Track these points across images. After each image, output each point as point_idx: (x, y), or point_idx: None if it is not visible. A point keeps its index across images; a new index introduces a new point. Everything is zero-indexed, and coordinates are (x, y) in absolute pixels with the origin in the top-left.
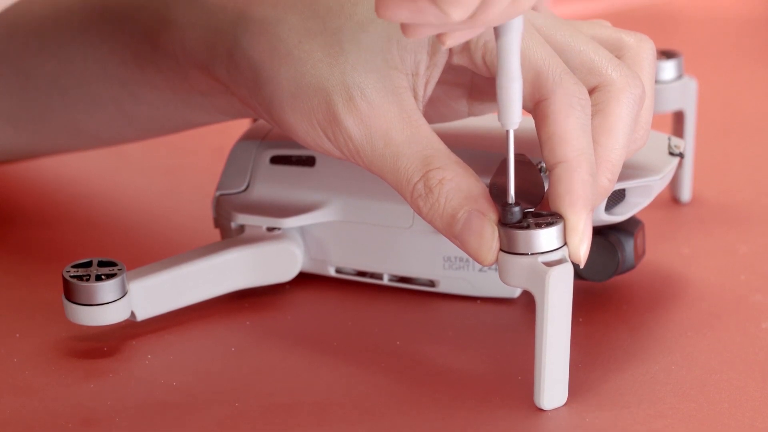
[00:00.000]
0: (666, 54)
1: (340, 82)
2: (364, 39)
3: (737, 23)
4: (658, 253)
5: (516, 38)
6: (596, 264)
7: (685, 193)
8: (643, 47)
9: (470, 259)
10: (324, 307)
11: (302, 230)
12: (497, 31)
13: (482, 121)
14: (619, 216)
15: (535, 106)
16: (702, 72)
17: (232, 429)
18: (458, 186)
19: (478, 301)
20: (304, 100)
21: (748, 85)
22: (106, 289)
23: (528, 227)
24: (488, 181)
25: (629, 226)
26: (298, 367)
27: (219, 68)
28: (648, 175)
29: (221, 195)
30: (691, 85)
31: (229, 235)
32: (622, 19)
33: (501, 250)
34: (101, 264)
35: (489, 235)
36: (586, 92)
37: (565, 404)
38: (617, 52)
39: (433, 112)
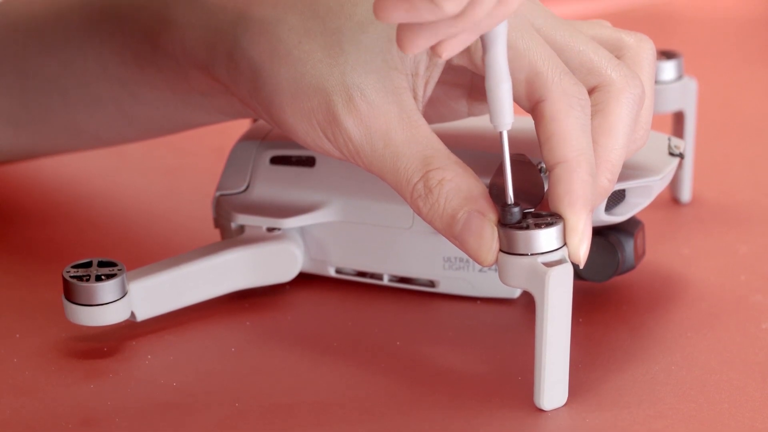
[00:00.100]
0: (666, 54)
1: (340, 82)
2: (364, 39)
3: (737, 23)
4: (658, 253)
5: (502, 40)
6: (596, 264)
7: (685, 194)
8: (643, 47)
9: (470, 260)
10: (324, 308)
11: (302, 230)
12: (483, 37)
13: (482, 122)
14: (619, 216)
15: (535, 106)
16: (702, 72)
17: (232, 429)
18: (458, 186)
19: (478, 302)
20: (304, 100)
21: (748, 85)
22: (106, 289)
23: (528, 228)
24: (488, 181)
25: (629, 227)
26: (298, 367)
27: (219, 68)
28: (648, 176)
29: (221, 195)
30: (691, 85)
31: (229, 236)
32: (622, 19)
33: (501, 250)
34: (101, 264)
35: (488, 236)
36: (586, 92)
37: (565, 404)
38: (617, 52)
39: (432, 112)
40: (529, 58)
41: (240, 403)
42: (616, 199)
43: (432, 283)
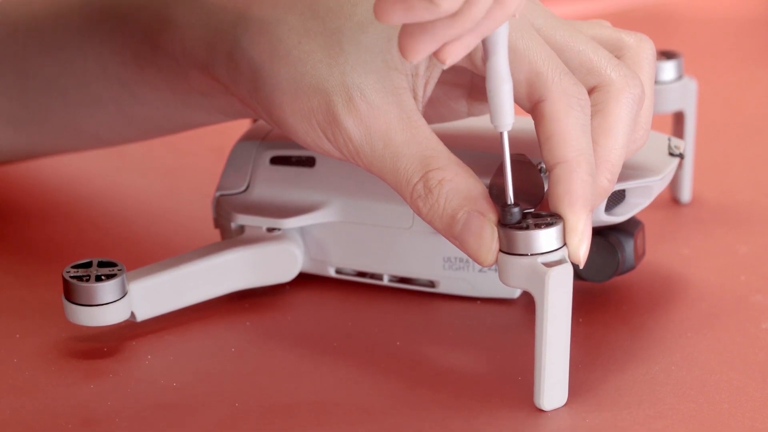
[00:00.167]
0: (666, 54)
1: (340, 82)
2: (364, 39)
3: (737, 23)
4: (658, 253)
5: (503, 42)
6: (596, 264)
7: (685, 194)
8: (642, 47)
9: (470, 260)
10: (324, 308)
11: (302, 231)
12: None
13: (482, 122)
14: (619, 216)
15: (534, 106)
16: (702, 72)
17: (232, 429)
18: (458, 187)
19: (478, 302)
20: (304, 100)
21: (748, 85)
22: (106, 289)
23: (527, 228)
24: (488, 181)
25: (629, 227)
26: (298, 367)
27: (219, 68)
28: (648, 176)
29: (221, 195)
30: (691, 85)
31: (229, 236)
32: (622, 19)
33: (500, 250)
34: (101, 264)
35: (488, 236)
36: (586, 92)
37: (565, 404)
38: (617, 52)
39: (432, 112)
40: (529, 58)
41: (240, 403)
42: (616, 199)
43: (432, 284)
